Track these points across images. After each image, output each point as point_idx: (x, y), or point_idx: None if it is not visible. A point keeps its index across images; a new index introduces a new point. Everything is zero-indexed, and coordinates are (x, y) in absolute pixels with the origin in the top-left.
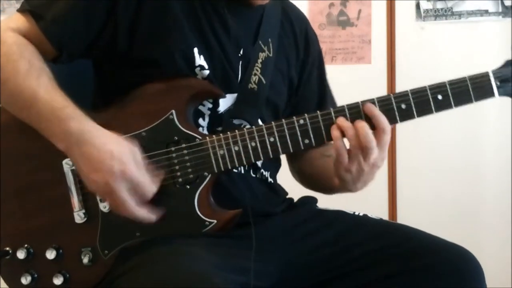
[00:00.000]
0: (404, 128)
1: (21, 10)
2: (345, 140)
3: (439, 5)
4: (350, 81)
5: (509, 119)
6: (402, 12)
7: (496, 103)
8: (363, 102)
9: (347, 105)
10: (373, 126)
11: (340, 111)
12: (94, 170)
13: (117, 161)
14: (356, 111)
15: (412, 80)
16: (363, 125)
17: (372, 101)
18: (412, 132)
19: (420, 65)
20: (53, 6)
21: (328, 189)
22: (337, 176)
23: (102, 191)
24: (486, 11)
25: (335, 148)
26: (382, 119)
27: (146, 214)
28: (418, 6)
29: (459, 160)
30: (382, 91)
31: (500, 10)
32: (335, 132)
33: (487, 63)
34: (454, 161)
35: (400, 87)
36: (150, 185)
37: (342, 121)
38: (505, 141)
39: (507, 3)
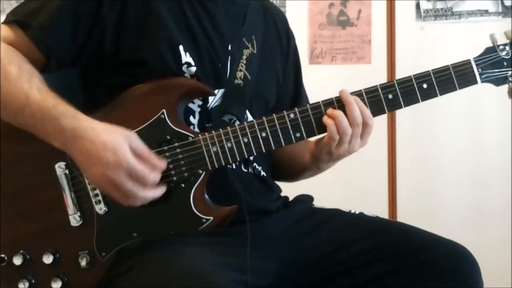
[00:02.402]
0: (404, 126)
1: (6, 22)
2: None
3: (439, 5)
4: (350, 81)
5: (510, 118)
6: (402, 12)
7: (497, 101)
8: (351, 93)
9: (335, 97)
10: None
11: (329, 104)
12: (91, 164)
13: (110, 151)
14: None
15: None
16: (353, 109)
17: (359, 92)
18: (412, 130)
19: (420, 65)
20: (39, 14)
21: (297, 173)
22: (313, 156)
23: (102, 185)
24: (486, 11)
25: (328, 134)
26: (360, 112)
27: (156, 192)
28: (418, 6)
29: (460, 158)
30: None
31: (500, 10)
32: (327, 120)
33: None
34: (454, 159)
35: None
36: (149, 169)
37: (331, 110)
38: (505, 140)
39: (507, 3)
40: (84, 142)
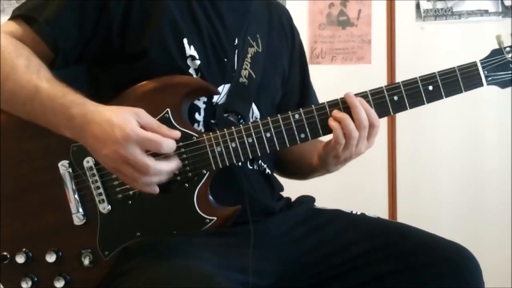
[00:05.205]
0: (404, 125)
1: (12, 18)
2: None
3: (439, 5)
4: (350, 81)
5: (509, 117)
6: (402, 12)
7: (496, 101)
8: (356, 95)
9: (340, 98)
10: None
11: (335, 105)
12: (102, 145)
13: (117, 127)
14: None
15: None
16: (359, 112)
17: (365, 94)
18: (412, 130)
19: (420, 65)
20: (45, 9)
21: (306, 173)
22: (321, 158)
23: (116, 164)
24: (486, 11)
25: (334, 138)
26: (366, 114)
27: (170, 165)
28: (418, 6)
29: (460, 158)
30: None
31: (500, 10)
32: (333, 123)
33: None
34: (454, 159)
35: None
36: (160, 138)
37: (337, 112)
38: (505, 139)
39: (507, 3)
40: (93, 126)
